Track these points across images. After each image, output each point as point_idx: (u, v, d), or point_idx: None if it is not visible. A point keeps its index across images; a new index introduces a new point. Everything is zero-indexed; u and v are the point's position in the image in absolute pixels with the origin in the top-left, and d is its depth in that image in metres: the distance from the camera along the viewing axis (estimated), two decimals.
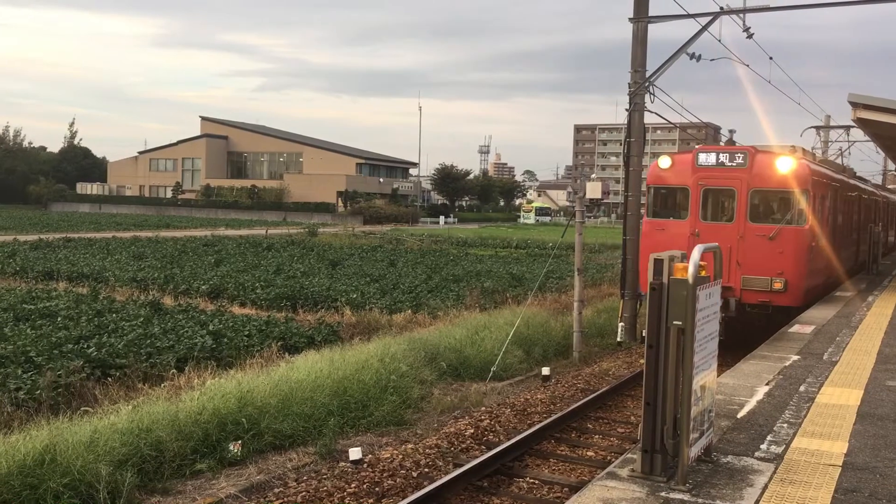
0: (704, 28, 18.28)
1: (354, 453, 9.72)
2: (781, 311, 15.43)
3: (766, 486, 5.88)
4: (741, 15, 18.26)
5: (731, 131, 17.81)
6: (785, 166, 15.22)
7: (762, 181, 15.49)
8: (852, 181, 24.33)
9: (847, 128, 32.16)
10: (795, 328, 13.64)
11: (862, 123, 19.37)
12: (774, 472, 6.18)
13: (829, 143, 34.98)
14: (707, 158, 15.97)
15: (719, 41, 18.81)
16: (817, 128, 32.13)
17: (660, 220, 16.67)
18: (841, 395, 8.91)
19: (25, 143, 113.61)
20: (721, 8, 18.20)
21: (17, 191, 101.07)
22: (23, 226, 55.24)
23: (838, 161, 32.75)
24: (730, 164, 15.75)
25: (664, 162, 16.52)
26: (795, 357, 11.03)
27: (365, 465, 9.54)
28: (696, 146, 16.66)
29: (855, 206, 23.46)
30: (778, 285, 15.10)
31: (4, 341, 13.23)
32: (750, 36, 18.69)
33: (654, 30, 19.03)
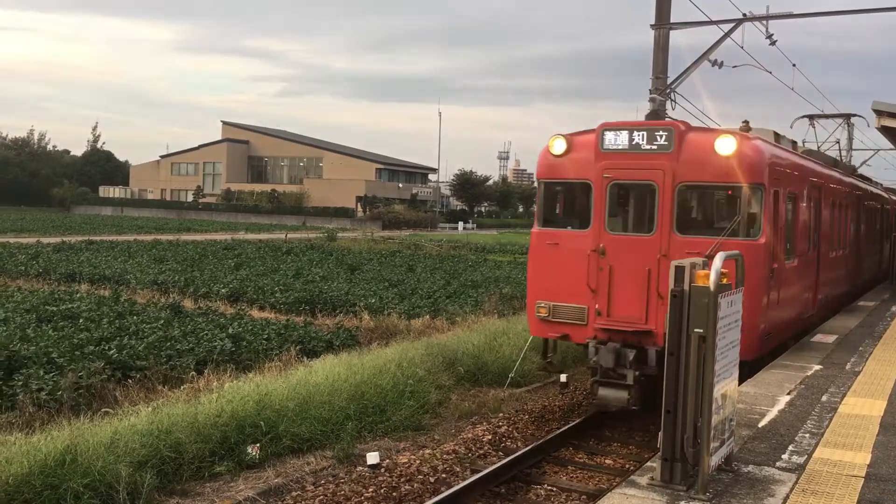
0: (727, 35, 18.18)
1: (372, 458, 9.72)
2: None
3: (787, 497, 5.82)
4: (764, 22, 18.14)
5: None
6: (727, 148, 10.51)
7: (695, 172, 10.83)
8: (851, 179, 19.73)
9: (847, 116, 25.21)
10: (818, 338, 13.49)
11: (886, 132, 19.18)
12: (796, 483, 6.12)
13: (837, 137, 27.16)
14: (616, 139, 11.27)
15: (741, 48, 18.69)
16: (811, 116, 24.15)
17: (551, 230, 11.97)
18: (864, 405, 8.81)
19: (50, 147, 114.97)
20: (744, 14, 18.09)
21: (41, 193, 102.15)
22: (46, 228, 55.82)
23: (850, 161, 27.54)
24: (648, 146, 11.06)
25: (557, 145, 11.73)
26: (817, 366, 10.92)
27: (382, 470, 9.54)
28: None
29: (857, 211, 19.49)
30: None
31: (27, 342, 13.36)
32: (773, 43, 18.56)
33: (675, 36, 18.91)
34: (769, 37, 18.43)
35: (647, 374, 10.70)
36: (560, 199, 12.56)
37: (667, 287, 10.32)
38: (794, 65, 23.58)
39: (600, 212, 11.41)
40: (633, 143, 11.19)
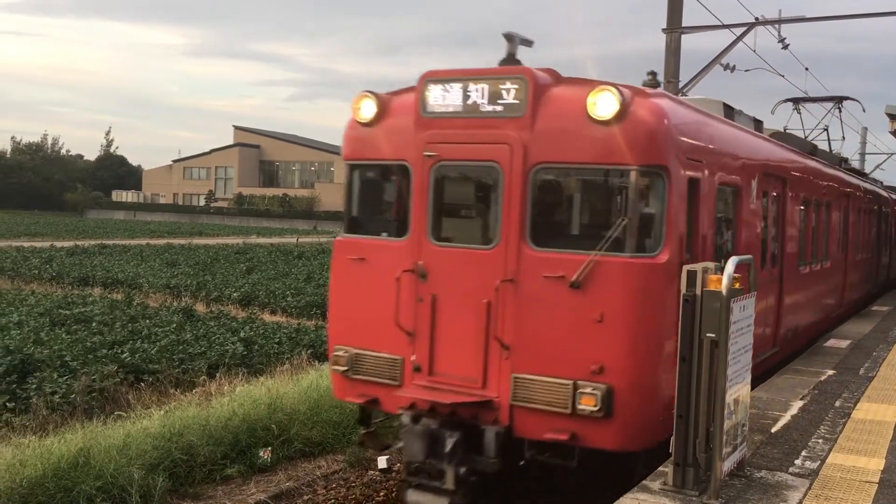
0: (739, 38, 18.14)
1: (383, 462, 9.73)
2: (607, 459, 7.13)
3: (800, 502, 5.79)
4: (776, 25, 18.12)
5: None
6: (605, 108, 6.88)
7: (558, 147, 7.17)
8: (836, 172, 15.99)
9: (839, 99, 20.77)
10: (831, 343, 13.41)
11: None
12: (809, 488, 6.09)
13: (826, 123, 21.74)
14: (445, 97, 7.59)
15: (754, 51, 18.65)
16: (795, 100, 20.27)
17: (358, 238, 8.31)
18: (878, 410, 8.75)
19: (63, 152, 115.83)
20: (756, 18, 18.07)
21: (55, 198, 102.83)
22: (59, 232, 56.16)
23: (840, 153, 21.45)
24: (490, 107, 7.39)
25: (365, 108, 8.09)
26: (831, 372, 10.85)
27: (394, 474, 9.55)
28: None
29: (844, 212, 16.11)
30: (589, 401, 6.81)
31: (41, 346, 13.45)
32: (785, 47, 18.55)
33: (687, 40, 18.88)
34: (781, 40, 18.42)
35: (483, 470, 7.12)
36: (373, 190, 8.79)
37: (517, 328, 7.04)
38: (806, 68, 23.54)
39: (421, 211, 7.69)
40: (470, 102, 7.43)
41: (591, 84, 7.12)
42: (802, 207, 12.42)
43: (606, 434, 6.83)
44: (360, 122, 8.11)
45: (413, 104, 7.76)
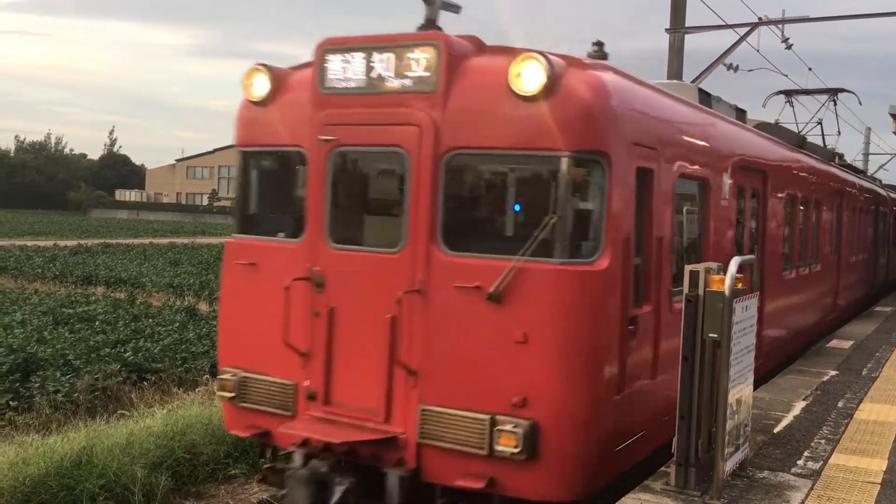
0: (742, 38, 18.12)
1: None
2: None
3: (802, 503, 5.79)
4: (779, 25, 18.09)
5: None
6: (531, 80, 5.77)
7: (476, 128, 6.05)
8: (828, 168, 14.93)
9: (834, 91, 19.52)
10: (833, 343, 13.40)
11: None
12: (811, 489, 6.08)
13: (820, 117, 20.27)
14: (346, 69, 6.47)
15: (757, 51, 18.63)
16: (787, 92, 19.06)
17: (250, 239, 7.16)
18: (880, 411, 8.74)
19: (66, 151, 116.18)
20: (759, 18, 18.05)
21: (58, 197, 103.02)
22: (63, 231, 56.25)
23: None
24: (397, 81, 6.27)
25: (259, 84, 6.94)
26: (833, 372, 10.84)
27: None
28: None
29: (837, 211, 15.25)
30: (509, 441, 5.71)
31: (44, 345, 13.48)
32: (789, 47, 18.51)
33: (690, 40, 18.86)
34: (785, 40, 18.39)
35: None
36: (269, 182, 7.58)
37: (425, 351, 5.93)
38: (809, 68, 23.50)
39: (317, 207, 6.56)
40: (374, 75, 6.29)
41: (514, 52, 5.87)
42: (787, 205, 11.39)
43: (529, 481, 5.65)
44: (252, 102, 6.97)
45: (311, 79, 6.57)
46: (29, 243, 40.58)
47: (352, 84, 6.40)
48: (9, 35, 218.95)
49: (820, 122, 20.28)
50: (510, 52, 5.95)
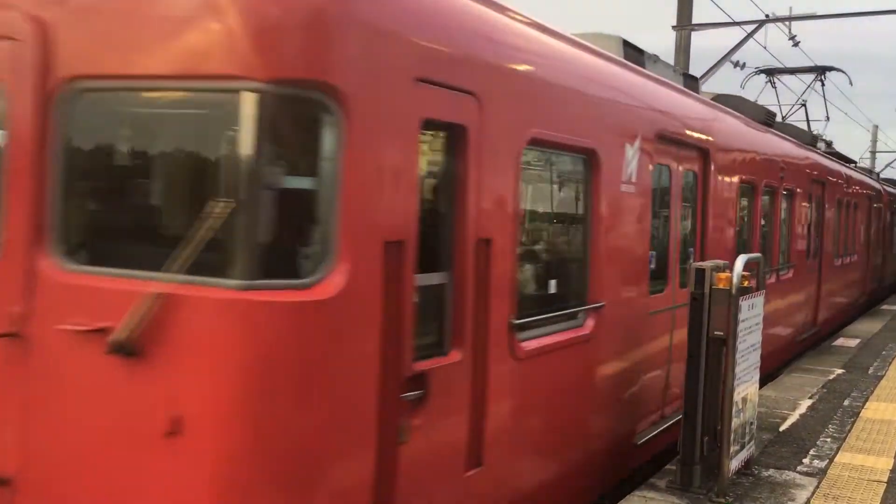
0: (749, 36, 18.09)
1: None
2: None
3: (808, 501, 5.79)
4: (787, 23, 18.05)
5: None
6: None
7: (115, 43, 3.37)
8: (806, 153, 12.60)
9: (821, 70, 17.48)
10: (840, 341, 13.38)
11: None
12: (817, 487, 6.08)
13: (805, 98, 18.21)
14: None
15: (765, 48, 18.59)
16: (768, 71, 17.11)
17: None
18: (886, 409, 8.73)
19: None
20: (766, 16, 18.01)
21: None
22: None
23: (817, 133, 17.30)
24: None
25: None
26: (840, 370, 10.82)
27: None
28: None
29: (819, 206, 13.00)
30: None
31: None
32: (796, 44, 18.48)
33: (696, 38, 18.81)
34: (792, 38, 18.35)
35: None
36: None
37: (14, 442, 3.35)
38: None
39: None
40: None
41: None
42: (743, 196, 9.01)
43: None
44: None
45: None
46: None
47: None
48: None
49: (804, 105, 18.10)
50: None
